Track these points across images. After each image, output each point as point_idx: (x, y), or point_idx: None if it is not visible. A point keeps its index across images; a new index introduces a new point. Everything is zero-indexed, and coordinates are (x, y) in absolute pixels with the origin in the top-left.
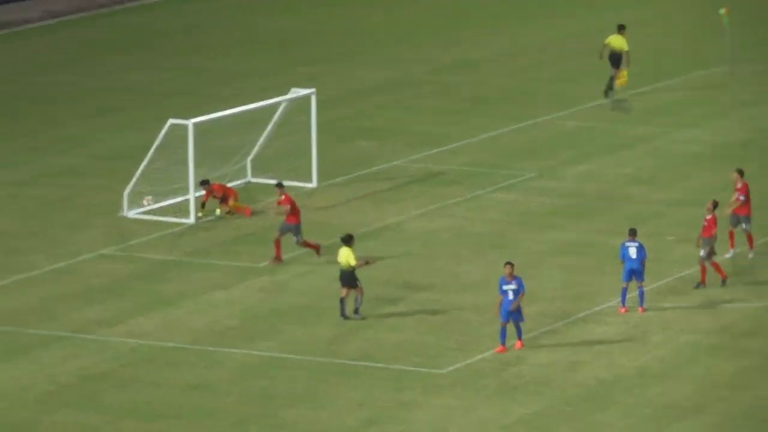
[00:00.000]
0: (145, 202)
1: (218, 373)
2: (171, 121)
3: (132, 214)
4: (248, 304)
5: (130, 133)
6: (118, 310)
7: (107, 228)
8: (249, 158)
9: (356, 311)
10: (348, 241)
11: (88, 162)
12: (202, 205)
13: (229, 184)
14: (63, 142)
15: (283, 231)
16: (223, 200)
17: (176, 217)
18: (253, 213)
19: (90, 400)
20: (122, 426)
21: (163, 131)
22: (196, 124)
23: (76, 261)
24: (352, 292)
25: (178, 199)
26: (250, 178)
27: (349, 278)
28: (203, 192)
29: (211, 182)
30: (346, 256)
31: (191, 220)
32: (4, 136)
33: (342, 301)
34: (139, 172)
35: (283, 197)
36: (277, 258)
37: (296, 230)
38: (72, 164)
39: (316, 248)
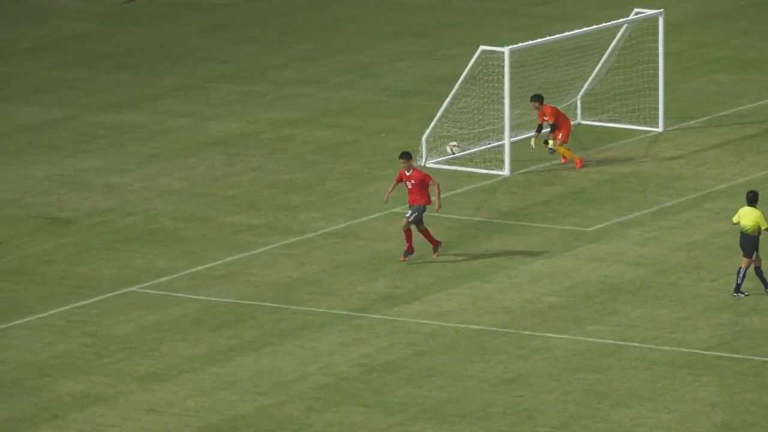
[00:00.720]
0: (449, 149)
1: (537, 363)
2: (482, 47)
3: (432, 163)
4: (575, 278)
5: (430, 61)
6: (412, 284)
7: None
8: (579, 95)
9: (737, 288)
10: (753, 199)
11: (378, 97)
12: (538, 128)
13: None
14: (347, 72)
15: (417, 216)
16: (553, 129)
17: (487, 168)
18: (584, 165)
19: (375, 396)
20: (415, 429)
21: (473, 60)
22: (513, 52)
23: (360, 221)
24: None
25: (490, 145)
26: (580, 120)
27: (752, 245)
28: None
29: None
30: (755, 217)
31: (505, 172)
32: (272, 64)
33: (740, 273)
34: (441, 110)
35: (411, 171)
36: (409, 249)
37: (419, 212)
38: (358, 100)
39: (435, 244)
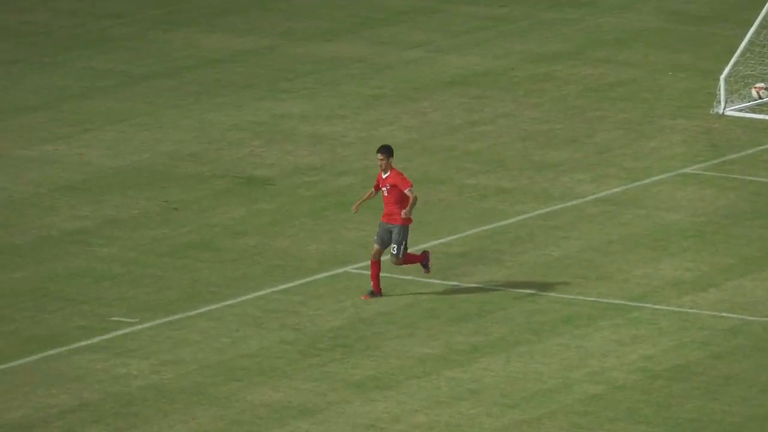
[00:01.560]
0: (755, 93)
1: None
2: None
3: (732, 110)
4: None
5: None
6: (708, 266)
7: (692, 133)
8: None
9: None
10: None
11: (664, 24)
12: None
13: None
14: None
15: (405, 246)
16: None
17: None
18: None
19: (660, 410)
20: None
21: None
22: None
23: (641, 185)
24: None
25: None
26: None
27: None
28: None
29: None
30: None
31: None
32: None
33: None
34: (745, 42)
35: (389, 173)
36: (375, 290)
37: (405, 237)
38: (638, 28)
39: (424, 263)
